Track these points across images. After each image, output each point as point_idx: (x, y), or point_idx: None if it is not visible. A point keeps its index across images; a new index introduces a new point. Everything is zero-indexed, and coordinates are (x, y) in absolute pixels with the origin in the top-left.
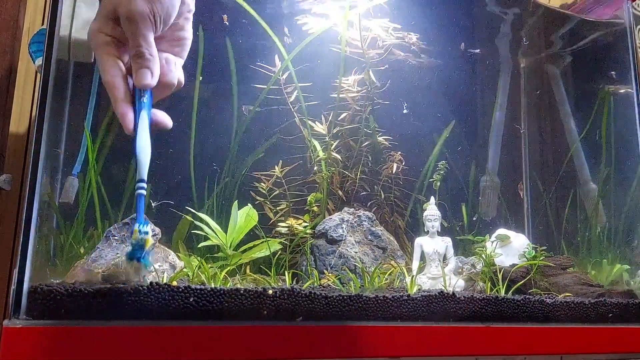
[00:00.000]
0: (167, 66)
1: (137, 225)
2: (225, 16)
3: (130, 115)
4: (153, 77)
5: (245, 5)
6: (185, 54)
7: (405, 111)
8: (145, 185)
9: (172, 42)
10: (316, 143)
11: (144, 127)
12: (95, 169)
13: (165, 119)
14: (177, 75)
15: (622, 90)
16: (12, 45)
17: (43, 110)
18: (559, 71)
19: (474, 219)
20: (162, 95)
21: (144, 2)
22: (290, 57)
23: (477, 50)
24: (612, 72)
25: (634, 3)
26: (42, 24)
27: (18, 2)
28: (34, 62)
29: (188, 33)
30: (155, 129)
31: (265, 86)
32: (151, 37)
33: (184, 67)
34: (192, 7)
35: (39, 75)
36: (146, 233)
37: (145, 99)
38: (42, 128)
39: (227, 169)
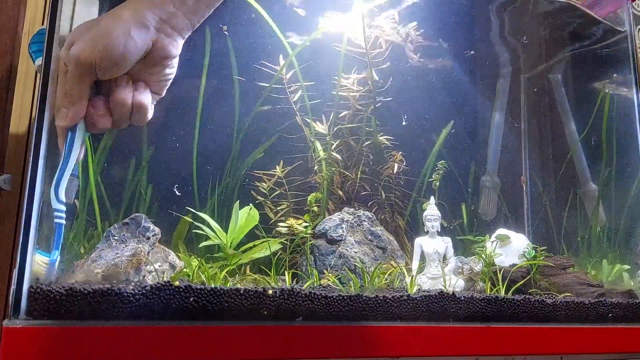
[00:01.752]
0: (118, 95)
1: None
2: (225, 27)
3: (61, 146)
4: (66, 119)
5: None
6: (163, 91)
7: (404, 123)
8: (60, 215)
9: (148, 82)
10: (317, 143)
11: (66, 164)
12: (95, 169)
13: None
14: (139, 101)
15: (622, 90)
16: (12, 46)
17: (43, 110)
18: (558, 71)
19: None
20: (119, 125)
21: (87, 52)
22: (292, 54)
23: (477, 50)
24: (615, 74)
25: (633, 3)
26: (42, 24)
27: (18, 2)
28: (34, 62)
29: (165, 77)
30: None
31: (269, 85)
32: (83, 83)
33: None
34: (174, 53)
35: (39, 75)
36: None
37: (71, 137)
38: (42, 128)
39: (227, 168)
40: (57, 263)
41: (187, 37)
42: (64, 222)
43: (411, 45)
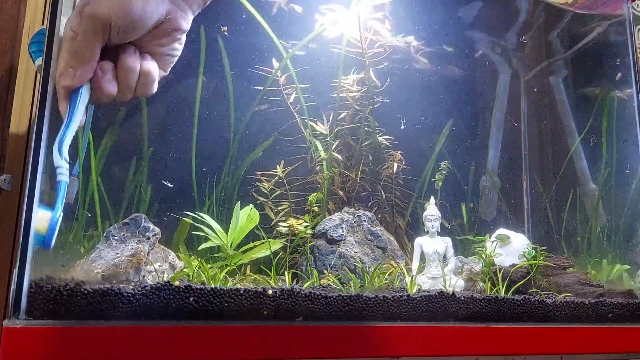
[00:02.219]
0: (124, 69)
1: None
2: (224, 27)
3: (63, 113)
4: (73, 78)
5: (246, 4)
6: (168, 68)
7: (402, 127)
8: (62, 172)
9: (155, 55)
10: (317, 143)
11: (65, 120)
12: (95, 169)
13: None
14: (146, 84)
15: (622, 90)
16: (12, 46)
17: (43, 110)
18: (558, 71)
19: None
20: (123, 98)
21: (105, 9)
22: (288, 56)
23: (477, 50)
24: (615, 74)
25: (633, 3)
26: (42, 24)
27: (18, 2)
28: (34, 62)
29: (172, 51)
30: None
31: (267, 86)
32: (96, 42)
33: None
34: (184, 27)
35: (39, 75)
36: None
37: (74, 99)
38: (42, 128)
39: (227, 169)
40: (59, 221)
41: (197, 13)
42: (66, 179)
43: (411, 48)
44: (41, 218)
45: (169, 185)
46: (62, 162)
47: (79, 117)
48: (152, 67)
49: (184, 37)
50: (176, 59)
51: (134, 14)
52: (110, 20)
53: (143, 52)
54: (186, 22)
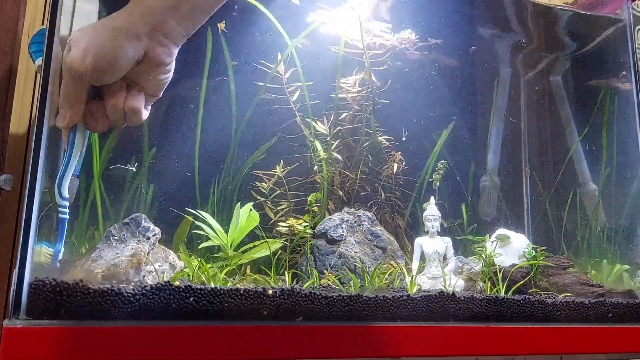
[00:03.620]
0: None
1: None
2: (222, 23)
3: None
4: (63, 120)
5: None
6: (159, 93)
7: (404, 138)
8: (62, 211)
9: (143, 85)
10: (317, 143)
11: (67, 164)
12: (96, 169)
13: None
14: (133, 105)
15: (622, 90)
16: (12, 46)
17: (43, 110)
18: (558, 71)
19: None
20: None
21: (79, 59)
22: (286, 52)
23: (476, 50)
24: (615, 74)
25: (633, 3)
26: (42, 24)
27: (18, 2)
28: (34, 62)
29: (160, 81)
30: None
31: (268, 83)
32: (78, 88)
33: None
34: (167, 61)
35: (39, 75)
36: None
37: (70, 140)
38: (42, 128)
39: (226, 169)
40: (60, 255)
41: (181, 44)
42: (67, 216)
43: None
44: (44, 254)
45: (132, 169)
46: (62, 202)
47: (76, 154)
48: (136, 102)
49: (171, 66)
50: (167, 83)
51: (106, 64)
52: (85, 69)
53: (130, 85)
54: (168, 56)
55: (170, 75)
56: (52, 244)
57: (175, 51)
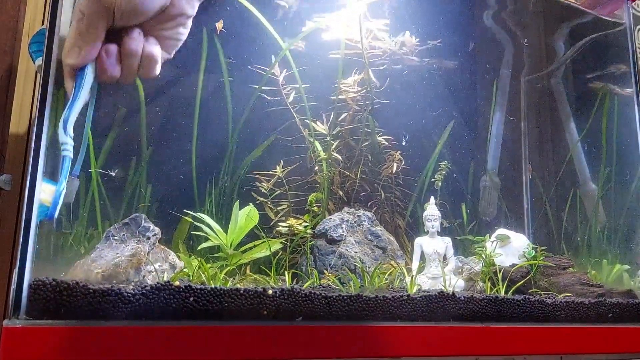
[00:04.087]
0: (129, 48)
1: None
2: (219, 23)
3: (69, 91)
4: (78, 58)
5: (246, 4)
6: (172, 51)
7: (404, 143)
8: (66, 148)
9: (159, 39)
10: (317, 143)
11: (73, 104)
12: (96, 169)
13: (109, 71)
14: (149, 52)
15: (622, 90)
16: (12, 46)
17: (43, 110)
18: (558, 71)
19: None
20: (127, 80)
21: None
22: (283, 53)
23: (476, 50)
24: (615, 74)
25: (633, 3)
26: (42, 24)
27: (18, 2)
28: (34, 62)
29: (177, 35)
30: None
31: (267, 86)
32: (100, 24)
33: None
34: (190, 12)
35: (39, 75)
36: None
37: (79, 78)
38: (42, 128)
39: (225, 168)
40: (63, 193)
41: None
42: (71, 155)
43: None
44: (46, 191)
45: (112, 174)
46: (66, 139)
47: (83, 96)
48: (155, 50)
49: (189, 22)
50: (181, 42)
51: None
52: (114, 4)
53: (148, 35)
54: (191, 7)
55: (186, 34)
56: (54, 182)
57: (197, 4)
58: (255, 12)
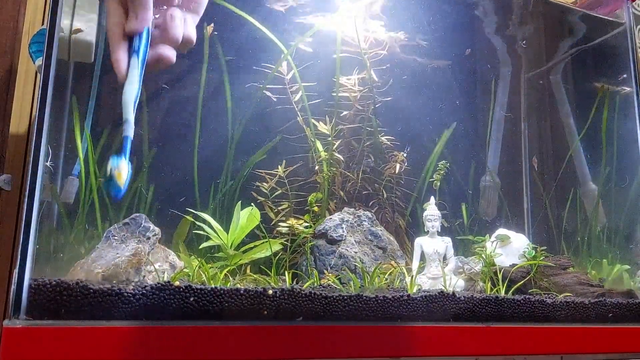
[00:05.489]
0: (171, 21)
1: (110, 159)
2: (210, 27)
3: (122, 61)
4: (137, 22)
5: (244, 14)
6: (201, 10)
7: (405, 153)
8: (130, 126)
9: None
10: (318, 143)
11: (132, 71)
12: (95, 169)
13: (167, 54)
14: (187, 31)
15: (622, 89)
16: (12, 46)
17: (43, 110)
18: (558, 71)
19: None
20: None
21: None
22: (287, 53)
23: (476, 50)
24: (615, 74)
25: (634, 3)
26: (42, 24)
27: (18, 2)
28: (34, 62)
29: None
30: (159, 66)
31: (270, 85)
32: None
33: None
34: None
35: (39, 75)
36: (116, 167)
37: (135, 45)
38: (42, 128)
39: (227, 168)
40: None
41: None
42: (131, 135)
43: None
44: (123, 168)
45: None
46: (131, 117)
47: (144, 64)
48: (188, 18)
49: None
50: (206, 3)
51: None
52: None
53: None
54: None
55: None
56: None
57: None
58: (255, 21)
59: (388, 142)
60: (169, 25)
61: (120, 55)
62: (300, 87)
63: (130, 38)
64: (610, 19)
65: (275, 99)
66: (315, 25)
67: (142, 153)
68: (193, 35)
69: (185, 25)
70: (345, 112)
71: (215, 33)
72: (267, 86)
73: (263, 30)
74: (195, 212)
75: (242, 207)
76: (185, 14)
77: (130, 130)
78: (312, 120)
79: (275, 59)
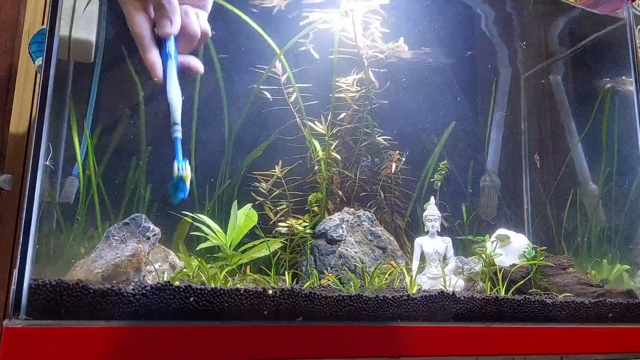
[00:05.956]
0: (187, 18)
1: (175, 163)
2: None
3: (158, 64)
4: (173, 26)
5: (241, 13)
6: (209, 6)
7: (403, 158)
8: (179, 128)
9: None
10: (316, 143)
11: (171, 74)
12: (95, 169)
13: (197, 64)
14: (201, 26)
15: (622, 89)
16: (12, 46)
17: (43, 110)
18: (558, 71)
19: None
20: (190, 47)
21: None
22: (281, 52)
23: (476, 50)
24: (615, 74)
25: (634, 3)
26: (42, 24)
27: (18, 2)
28: (34, 62)
29: None
30: (187, 74)
31: (268, 85)
32: None
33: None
34: None
35: (39, 75)
36: (184, 169)
37: (170, 48)
38: (42, 128)
39: (225, 169)
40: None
41: None
42: (180, 135)
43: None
44: (189, 169)
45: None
46: (179, 119)
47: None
48: (200, 14)
49: None
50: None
51: None
52: None
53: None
54: None
55: None
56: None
57: None
58: (253, 23)
59: (385, 143)
60: (186, 21)
61: (155, 59)
62: (295, 88)
63: (160, 41)
64: (611, 15)
65: (270, 99)
66: (314, 22)
67: (140, 152)
68: (208, 30)
69: (199, 20)
70: (343, 114)
71: (214, 32)
72: (264, 87)
73: (261, 31)
74: (194, 213)
75: (240, 207)
76: (196, 10)
77: (179, 132)
78: (307, 122)
79: (274, 60)
